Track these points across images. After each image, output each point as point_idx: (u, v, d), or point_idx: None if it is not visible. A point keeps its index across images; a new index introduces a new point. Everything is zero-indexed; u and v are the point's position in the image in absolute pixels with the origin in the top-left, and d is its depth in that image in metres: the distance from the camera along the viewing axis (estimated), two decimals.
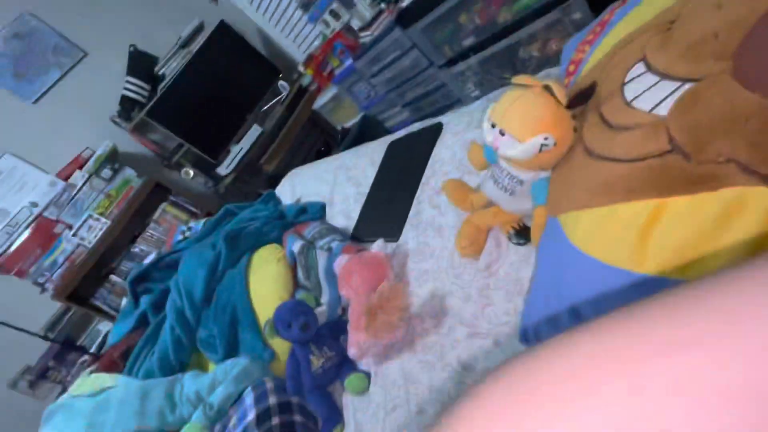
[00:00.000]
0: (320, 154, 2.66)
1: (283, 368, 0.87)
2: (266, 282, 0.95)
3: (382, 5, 1.75)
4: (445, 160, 0.93)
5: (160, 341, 1.02)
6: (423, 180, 0.95)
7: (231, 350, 0.94)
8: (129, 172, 2.29)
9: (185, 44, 2.43)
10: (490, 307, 0.62)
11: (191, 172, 2.51)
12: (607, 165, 0.42)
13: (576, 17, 1.22)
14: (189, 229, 1.47)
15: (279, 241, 1.10)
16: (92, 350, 2.18)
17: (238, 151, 2.35)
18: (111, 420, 0.93)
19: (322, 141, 2.79)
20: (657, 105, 0.40)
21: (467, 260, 0.71)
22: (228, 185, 2.42)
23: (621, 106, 0.44)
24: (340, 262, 0.86)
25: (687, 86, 0.38)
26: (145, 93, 2.35)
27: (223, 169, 2.34)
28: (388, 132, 1.92)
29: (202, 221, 1.46)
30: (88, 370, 1.21)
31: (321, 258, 0.89)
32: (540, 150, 0.51)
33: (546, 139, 0.50)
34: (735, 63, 0.35)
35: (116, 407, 0.94)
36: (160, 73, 2.34)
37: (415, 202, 0.94)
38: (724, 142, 0.33)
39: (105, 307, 2.18)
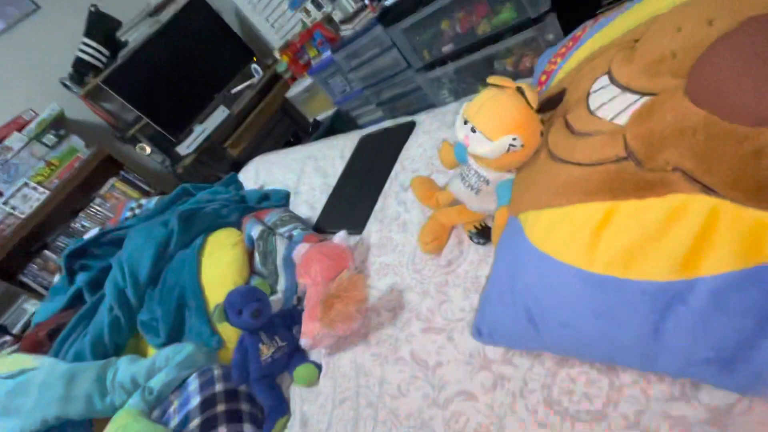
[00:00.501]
0: (288, 145, 2.60)
1: (230, 356, 0.83)
2: (220, 266, 0.91)
3: (366, 1, 1.75)
4: (415, 158, 0.93)
5: (95, 322, 0.94)
6: (391, 175, 0.95)
7: (174, 335, 0.88)
8: (76, 141, 2.12)
9: (154, 12, 2.30)
10: (447, 303, 0.63)
11: (148, 149, 2.36)
12: (567, 168, 0.44)
13: (549, 38, 1.28)
14: (139, 206, 1.37)
15: (238, 225, 1.06)
16: (14, 331, 1.98)
17: (201, 131, 2.25)
18: (29, 404, 0.84)
19: (292, 131, 2.73)
20: (617, 114, 0.42)
21: (429, 256, 0.72)
22: (187, 166, 2.30)
23: (585, 114, 0.46)
24: (300, 250, 0.84)
25: (645, 99, 0.40)
26: (103, 58, 2.18)
27: (183, 149, 2.22)
28: (360, 129, 1.92)
29: (155, 199, 1.38)
30: (9, 350, 1.10)
31: (281, 245, 0.86)
32: (508, 150, 0.52)
33: (515, 139, 0.51)
34: (688, 81, 0.37)
35: (37, 390, 0.86)
36: (123, 39, 2.19)
37: (381, 196, 0.93)
38: (673, 152, 0.35)
39: (34, 285, 1.99)
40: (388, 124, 1.15)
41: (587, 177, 0.41)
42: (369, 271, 0.81)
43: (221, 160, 2.46)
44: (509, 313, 0.46)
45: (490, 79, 0.54)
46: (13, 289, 2.00)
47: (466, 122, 0.55)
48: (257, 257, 0.91)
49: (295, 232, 0.90)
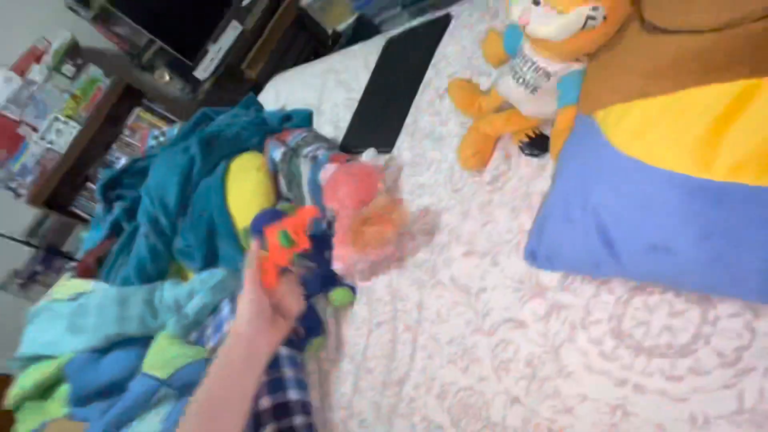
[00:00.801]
0: (309, 60, 2.41)
1: None
2: (245, 191, 0.87)
3: None
4: (452, 59, 0.79)
5: (135, 249, 0.96)
6: (424, 82, 0.82)
7: (210, 259, 0.89)
8: (95, 71, 2.05)
9: None
10: (491, 224, 0.56)
11: (166, 76, 2.27)
12: (677, 39, 0.32)
13: None
14: (163, 134, 1.34)
15: (260, 148, 0.99)
16: (78, 256, 2.16)
17: (216, 51, 2.10)
18: (91, 324, 0.90)
19: (312, 46, 2.51)
20: None
21: (469, 173, 0.63)
22: (207, 91, 2.20)
23: None
24: (327, 172, 0.77)
25: None
26: None
27: (200, 73, 2.11)
28: None
29: (177, 126, 1.33)
30: (67, 275, 1.17)
31: (305, 167, 0.80)
32: (584, 25, 0.39)
33: (594, 9, 0.38)
34: None
35: (95, 312, 0.91)
36: None
37: (413, 108, 0.82)
38: None
39: (84, 215, 2.10)
40: (417, 22, 0.98)
41: (711, 47, 0.29)
42: (402, 192, 0.74)
43: (241, 83, 2.34)
44: (577, 234, 0.37)
45: None
46: (67, 220, 2.14)
47: None
48: (282, 181, 0.86)
49: (319, 153, 0.83)
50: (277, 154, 0.85)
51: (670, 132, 0.30)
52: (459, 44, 0.79)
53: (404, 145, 0.79)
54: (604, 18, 0.39)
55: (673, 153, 0.30)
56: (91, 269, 1.02)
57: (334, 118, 1.08)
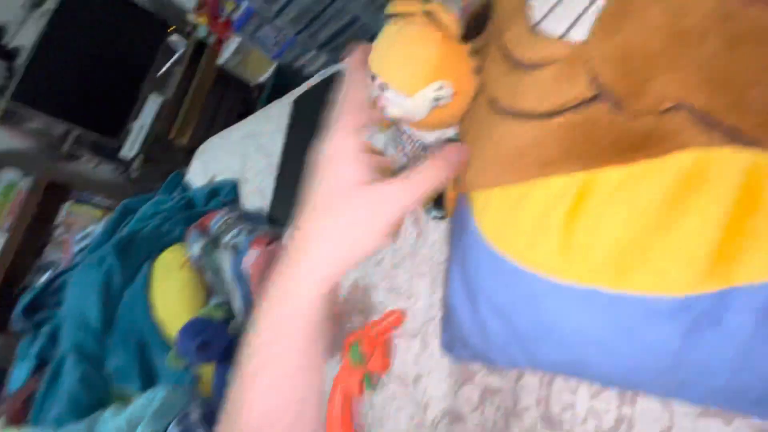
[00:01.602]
0: (241, 117, 2.37)
1: (210, 387, 0.77)
2: (171, 295, 0.81)
3: None
4: None
5: (66, 380, 0.87)
6: None
7: (149, 378, 0.81)
8: (10, 176, 1.92)
9: (36, 3, 1.95)
10: (414, 299, 0.53)
11: (93, 161, 2.17)
12: (515, 123, 0.30)
13: None
14: (86, 236, 1.25)
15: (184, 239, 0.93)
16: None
17: (140, 127, 2.02)
18: None
19: (241, 101, 2.47)
20: (572, 26, 0.27)
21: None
22: (140, 169, 2.12)
23: (525, 33, 0.30)
24: (249, 259, 0.72)
25: None
26: (2, 73, 1.91)
27: (127, 152, 2.02)
28: (307, 80, 1.69)
29: (102, 223, 1.24)
30: (2, 420, 1.05)
31: (226, 259, 0.75)
32: (435, 104, 0.37)
33: (440, 88, 0.36)
34: None
35: None
36: (12, 46, 1.88)
37: None
38: (671, 78, 0.21)
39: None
40: (317, 79, 0.96)
41: (542, 136, 0.27)
42: None
43: (174, 153, 2.26)
44: (476, 326, 0.35)
45: (392, 6, 0.38)
46: (10, 340, 1.96)
47: (373, 78, 0.39)
48: (208, 276, 0.80)
49: (239, 239, 0.78)
50: (196, 249, 0.80)
51: (527, 228, 0.28)
52: None
53: None
54: (453, 93, 0.37)
55: (534, 252, 0.27)
56: (20, 414, 0.91)
57: (259, 187, 1.04)
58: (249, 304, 0.72)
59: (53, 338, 0.97)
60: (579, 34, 0.27)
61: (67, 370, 0.86)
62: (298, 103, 0.99)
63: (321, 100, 0.91)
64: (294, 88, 1.12)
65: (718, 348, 0.20)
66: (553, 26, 0.29)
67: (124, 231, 1.00)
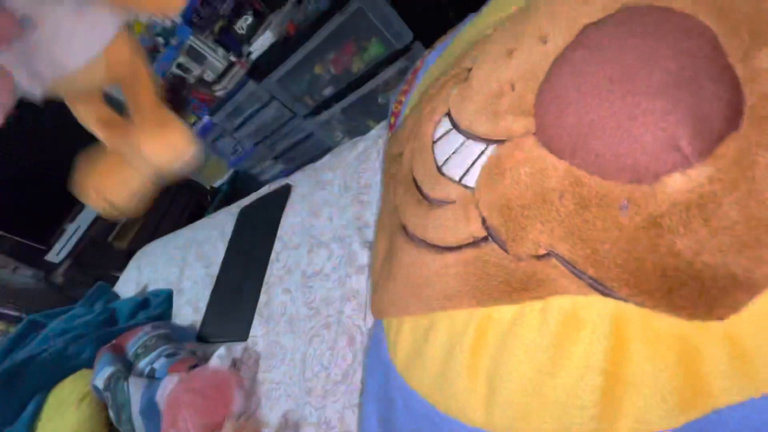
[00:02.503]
0: (192, 219, 2.33)
1: None
2: None
3: (232, 58, 1.62)
4: (295, 230, 0.78)
5: None
6: (272, 257, 0.79)
7: None
8: None
9: None
10: None
11: (10, 265, 1.96)
12: (422, 254, 0.31)
13: None
14: None
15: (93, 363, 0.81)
16: None
17: (74, 231, 1.91)
18: None
19: (194, 202, 2.46)
20: (465, 173, 0.31)
21: (319, 364, 0.56)
22: (66, 272, 1.93)
23: (432, 172, 0.34)
24: (165, 389, 0.63)
25: (493, 149, 0.29)
26: None
27: (54, 256, 1.86)
28: (263, 185, 1.74)
29: None
30: None
31: (136, 391, 0.64)
32: None
33: None
34: (537, 120, 0.27)
35: None
36: None
37: (264, 285, 0.76)
38: (540, 228, 0.24)
39: None
40: (265, 190, 0.99)
41: (445, 270, 0.28)
42: (260, 395, 0.62)
43: (111, 257, 2.12)
44: None
45: None
46: None
47: None
48: (111, 413, 0.67)
49: (157, 364, 0.69)
50: (101, 379, 0.69)
51: (434, 364, 0.27)
52: (298, 216, 0.79)
53: (259, 331, 0.71)
54: None
55: (441, 393, 0.26)
56: None
57: (193, 298, 0.97)
58: None
59: None
60: (471, 181, 0.30)
61: None
62: (244, 212, 1.00)
63: (262, 214, 0.93)
64: (250, 193, 1.14)
65: None
66: (453, 171, 0.32)
67: (18, 356, 0.85)
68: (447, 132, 0.35)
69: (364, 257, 0.59)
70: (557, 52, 0.28)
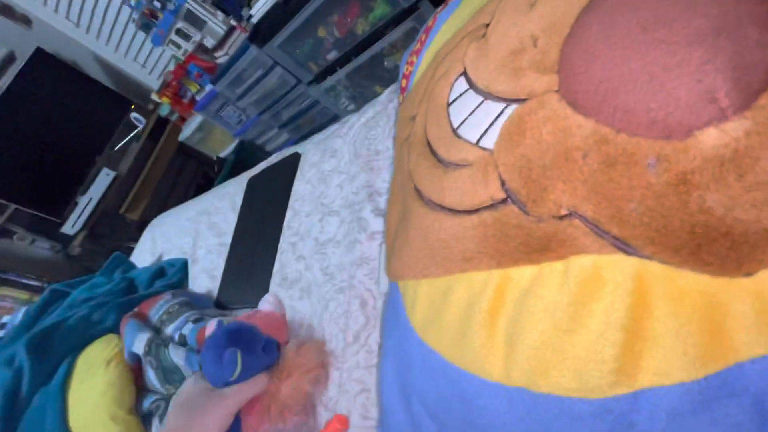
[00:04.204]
0: (200, 189, 2.34)
1: None
2: (91, 399, 0.70)
3: (232, 22, 1.56)
4: (305, 198, 0.78)
5: None
6: (284, 225, 0.79)
7: None
8: None
9: None
10: (364, 393, 0.49)
11: (28, 238, 2.01)
12: (440, 217, 0.31)
13: None
14: (1, 326, 1.10)
15: (118, 328, 0.84)
16: None
17: (87, 201, 1.93)
18: None
19: (201, 174, 2.47)
20: (483, 134, 0.30)
21: (335, 327, 0.57)
22: (82, 246, 1.98)
23: (447, 134, 0.33)
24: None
25: (513, 108, 0.28)
26: None
27: (69, 228, 1.90)
28: (269, 155, 1.72)
29: (22, 311, 1.11)
30: None
31: (178, 355, 0.67)
32: None
33: None
34: (561, 77, 0.26)
35: None
36: None
37: (278, 252, 0.78)
38: (562, 188, 0.23)
39: None
40: (275, 158, 0.99)
41: (463, 232, 0.28)
42: None
43: (124, 228, 2.16)
44: (411, 428, 0.32)
45: None
46: None
47: None
48: (153, 375, 0.70)
49: (185, 330, 0.72)
50: (139, 345, 0.71)
51: (453, 324, 0.28)
52: (309, 183, 0.79)
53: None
54: None
55: (461, 349, 0.27)
56: None
57: (208, 267, 0.99)
58: None
59: None
60: (489, 142, 0.29)
61: None
62: (252, 182, 1.00)
63: (271, 183, 0.93)
64: (256, 163, 1.14)
65: None
66: (469, 133, 0.32)
67: (46, 322, 0.89)
68: (463, 92, 0.34)
69: (375, 224, 0.59)
70: (584, 2, 0.26)
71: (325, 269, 0.65)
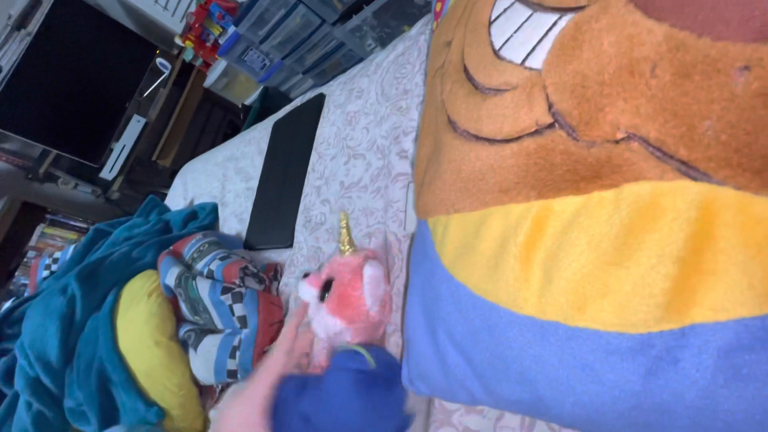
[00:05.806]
0: (227, 138, 2.36)
1: (173, 424, 0.72)
2: (136, 325, 0.76)
3: None
4: (330, 140, 0.76)
5: (18, 421, 0.80)
6: (309, 167, 0.79)
7: (108, 417, 0.75)
8: None
9: (20, 25, 1.95)
10: (394, 336, 0.50)
11: (71, 183, 2.12)
12: (475, 147, 0.29)
13: None
14: (54, 261, 1.19)
15: (156, 264, 0.90)
16: None
17: (120, 148, 1.99)
18: None
19: (227, 121, 2.48)
20: (531, 52, 0.27)
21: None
22: (120, 190, 2.07)
23: (488, 57, 0.30)
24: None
25: (568, 19, 0.25)
26: None
27: (107, 173, 1.98)
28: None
29: (71, 248, 1.19)
30: None
31: (203, 288, 0.71)
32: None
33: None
34: None
35: None
36: None
37: (303, 194, 0.78)
38: (623, 107, 0.21)
39: None
40: (299, 101, 0.96)
41: (501, 162, 0.26)
42: None
43: (157, 175, 2.23)
44: (435, 359, 0.32)
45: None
46: None
47: None
48: (183, 306, 0.76)
49: (213, 266, 0.75)
50: (171, 278, 0.76)
51: (485, 258, 0.26)
52: (334, 125, 0.77)
53: (301, 237, 0.74)
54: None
55: (493, 283, 0.26)
56: None
57: (237, 210, 1.02)
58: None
59: (9, 373, 0.90)
60: (537, 61, 0.26)
61: (20, 412, 0.80)
62: (277, 126, 0.99)
63: (296, 126, 0.91)
64: (280, 109, 1.12)
65: (678, 390, 0.19)
66: (514, 53, 0.28)
67: (92, 257, 0.95)
68: (508, 7, 0.30)
69: (399, 166, 0.57)
70: None
71: (350, 213, 0.65)
